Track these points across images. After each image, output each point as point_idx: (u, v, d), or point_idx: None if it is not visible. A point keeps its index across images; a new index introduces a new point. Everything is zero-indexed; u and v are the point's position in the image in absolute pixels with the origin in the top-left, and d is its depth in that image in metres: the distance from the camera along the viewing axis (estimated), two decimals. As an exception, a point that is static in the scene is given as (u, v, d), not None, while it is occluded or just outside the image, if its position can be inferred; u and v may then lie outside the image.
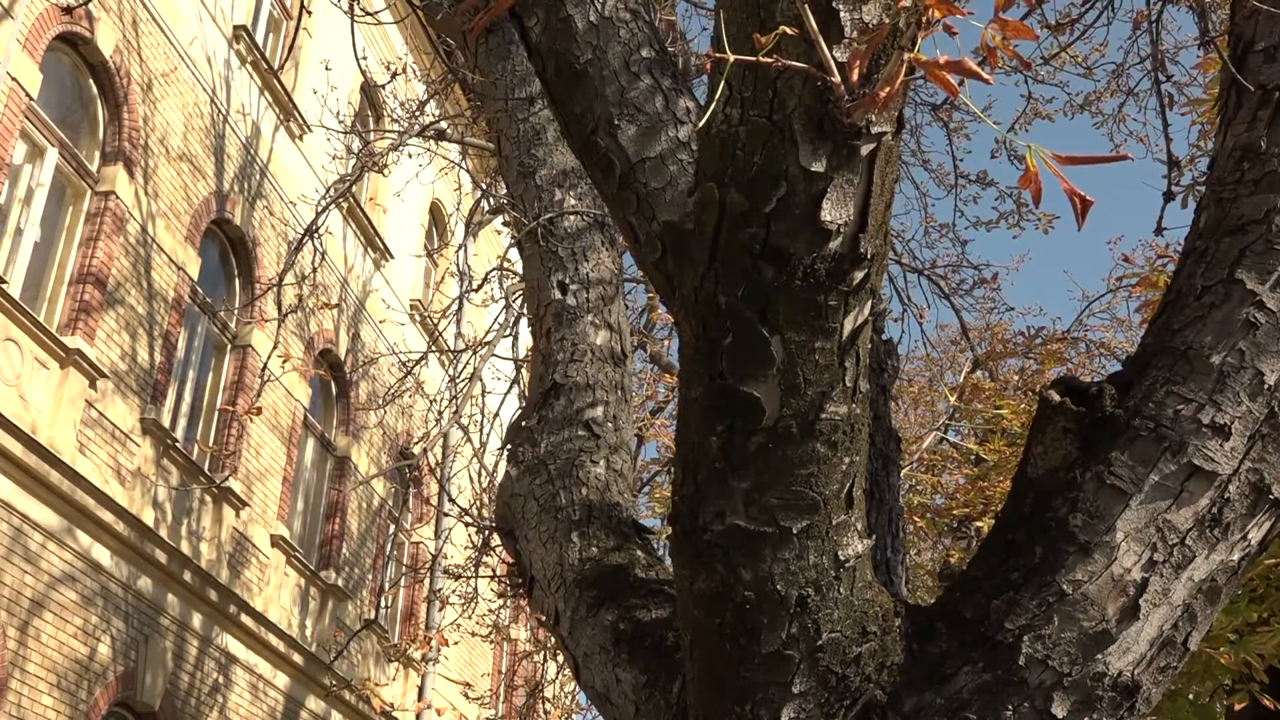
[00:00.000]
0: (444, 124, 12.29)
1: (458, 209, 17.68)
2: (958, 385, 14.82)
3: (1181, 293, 2.43)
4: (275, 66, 13.97)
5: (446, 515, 17.15)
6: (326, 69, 14.41)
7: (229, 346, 13.44)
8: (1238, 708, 6.35)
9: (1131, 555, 2.24)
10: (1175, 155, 5.23)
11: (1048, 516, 2.31)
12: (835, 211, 1.90)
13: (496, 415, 12.53)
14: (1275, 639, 5.84)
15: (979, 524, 9.76)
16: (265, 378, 12.52)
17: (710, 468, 2.21)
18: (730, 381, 2.11)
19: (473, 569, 14.04)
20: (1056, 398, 2.37)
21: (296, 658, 13.84)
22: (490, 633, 17.32)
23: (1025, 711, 2.22)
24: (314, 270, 12.57)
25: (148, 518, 11.35)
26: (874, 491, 3.00)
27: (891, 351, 3.76)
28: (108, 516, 10.65)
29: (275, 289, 12.08)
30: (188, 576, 11.84)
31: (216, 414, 13.06)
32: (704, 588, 2.30)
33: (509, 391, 12.08)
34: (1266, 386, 2.28)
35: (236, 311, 13.33)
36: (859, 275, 2.00)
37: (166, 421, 11.97)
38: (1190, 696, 6.61)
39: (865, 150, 1.86)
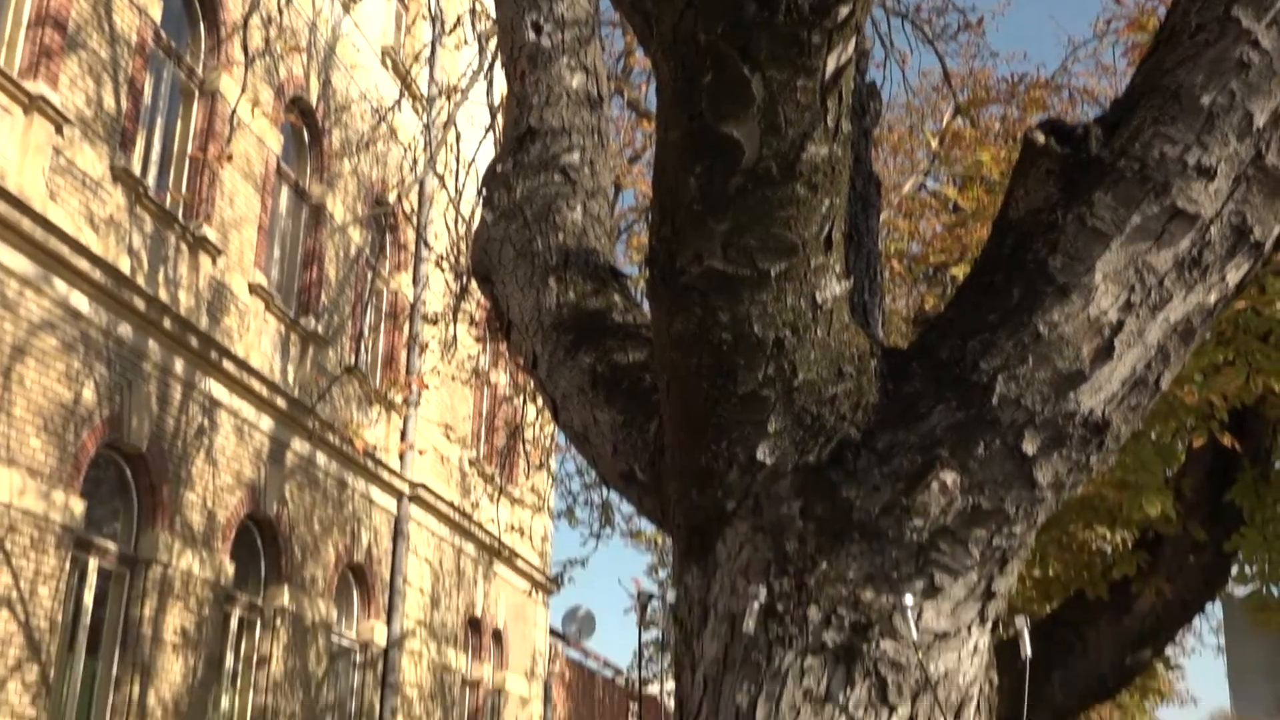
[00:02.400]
0: None
1: (428, -54, 17.02)
2: (939, 132, 14.67)
3: (1175, 30, 2.36)
4: None
5: (424, 262, 17.19)
6: None
7: (196, 93, 13.12)
8: (1197, 445, 6.54)
9: (1109, 297, 2.24)
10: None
11: (1027, 258, 2.30)
12: (821, -60, 1.82)
13: (472, 162, 12.39)
14: (1239, 380, 5.97)
15: (955, 271, 9.82)
16: (235, 124, 12.28)
17: (688, 210, 2.18)
18: (709, 122, 2.06)
19: (451, 315, 14.13)
20: (1041, 139, 2.33)
21: (280, 402, 14.06)
22: (470, 377, 17.60)
23: (996, 448, 2.26)
24: (280, 13, 12.17)
25: (124, 265, 11.32)
26: (853, 235, 2.98)
27: (874, 94, 3.69)
28: (83, 264, 10.61)
29: (241, 32, 11.72)
30: (167, 324, 11.89)
31: (187, 161, 12.86)
32: (681, 330, 2.31)
33: (484, 138, 11.91)
34: (1256, 128, 2.23)
35: (203, 56, 12.96)
36: (844, 10, 1.93)
37: (137, 169, 11.79)
38: (1152, 436, 6.79)
39: (854, -127, 1.77)
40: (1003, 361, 2.27)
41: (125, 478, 11.83)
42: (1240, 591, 7.77)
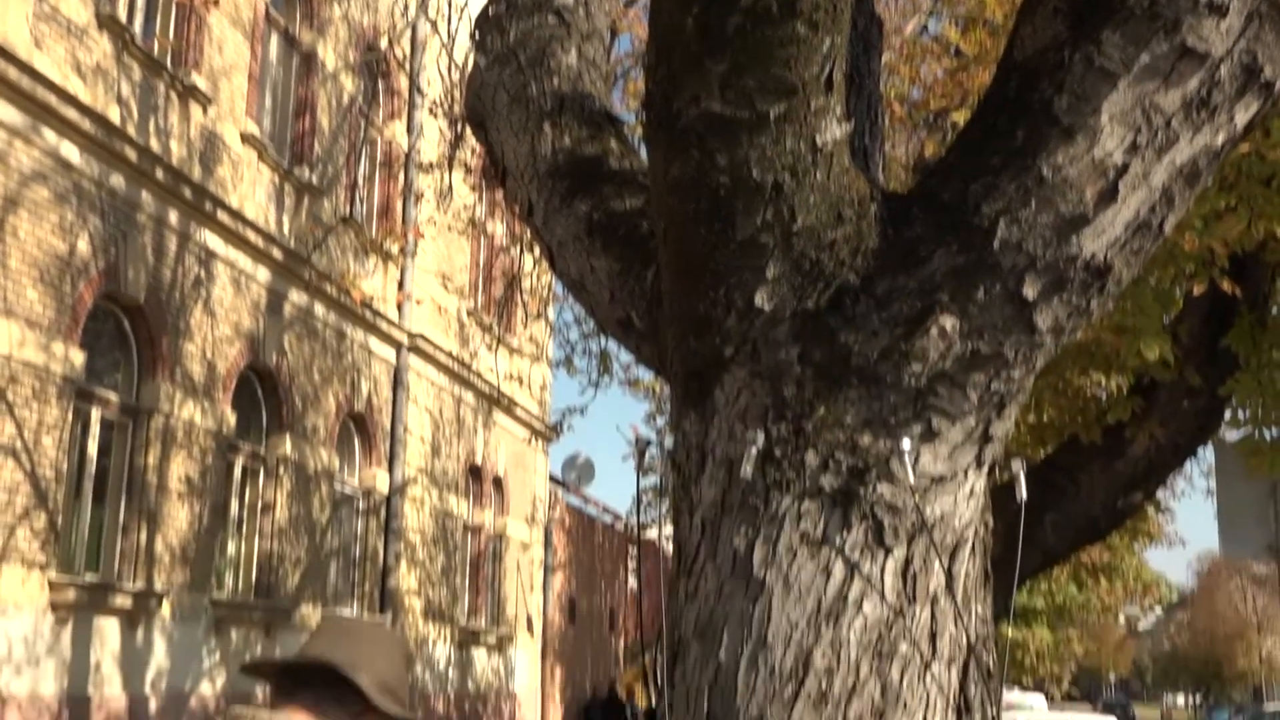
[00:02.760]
0: None
1: None
2: (942, -29, 14.30)
3: None
4: None
5: (417, 109, 16.94)
6: None
7: (180, -67, 12.77)
8: (1196, 292, 6.52)
9: (1114, 138, 2.20)
10: None
11: (1032, 99, 2.26)
12: None
13: (465, 5, 12.13)
14: (1241, 225, 5.93)
15: (956, 117, 9.68)
16: (221, -34, 11.98)
17: (686, 51, 2.13)
18: (707, -43, 1.99)
19: (446, 163, 13.99)
20: (1049, -26, 2.26)
21: (276, 253, 14.00)
22: (466, 227, 17.50)
23: (996, 293, 2.25)
24: None
25: (113, 115, 11.15)
26: (853, 77, 2.92)
27: (877, -70, 3.57)
28: (72, 114, 10.45)
29: None
30: (160, 175, 11.77)
31: (174, 7, 12.57)
32: (679, 175, 2.27)
33: (477, -20, 11.61)
34: (1269, -39, 2.17)
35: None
36: None
37: (123, 16, 11.52)
38: (1151, 281, 6.77)
39: None
40: (1005, 205, 2.24)
41: (124, 329, 11.84)
42: (1233, 436, 7.85)
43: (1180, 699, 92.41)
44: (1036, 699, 32.90)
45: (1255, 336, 6.87)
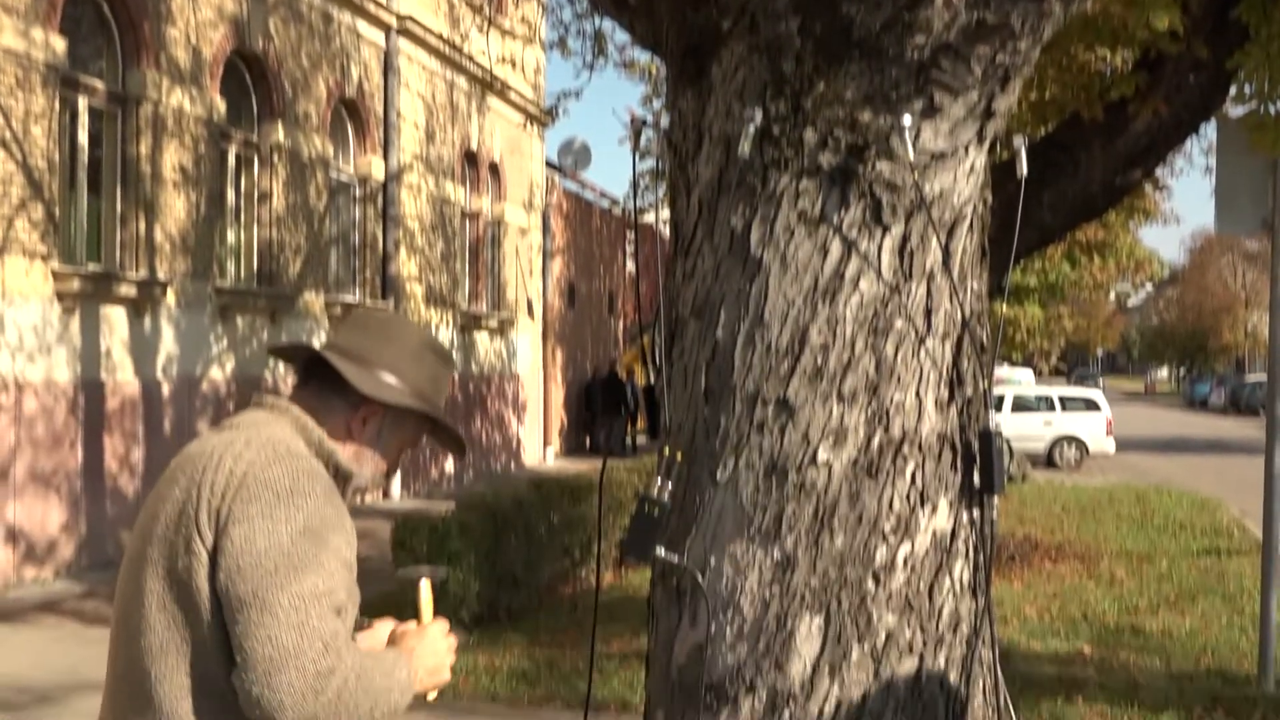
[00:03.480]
0: None
1: None
2: None
3: None
4: None
5: None
6: None
7: None
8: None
9: None
10: None
11: None
12: None
13: None
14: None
15: None
16: None
17: None
18: None
19: None
20: None
21: (254, -69, 13.43)
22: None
23: (1005, -40, 2.15)
24: None
25: None
26: None
27: None
28: None
29: None
30: None
31: None
32: None
33: None
34: None
35: None
36: None
37: None
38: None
39: None
40: None
41: (104, 14, 11.49)
42: (1237, 112, 7.73)
43: (1164, 372, 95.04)
44: (1025, 374, 33.83)
45: (1266, 7, 6.66)
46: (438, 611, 2.28)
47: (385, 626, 2.26)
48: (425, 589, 2.28)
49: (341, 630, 1.95)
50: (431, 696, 2.22)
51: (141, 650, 1.99)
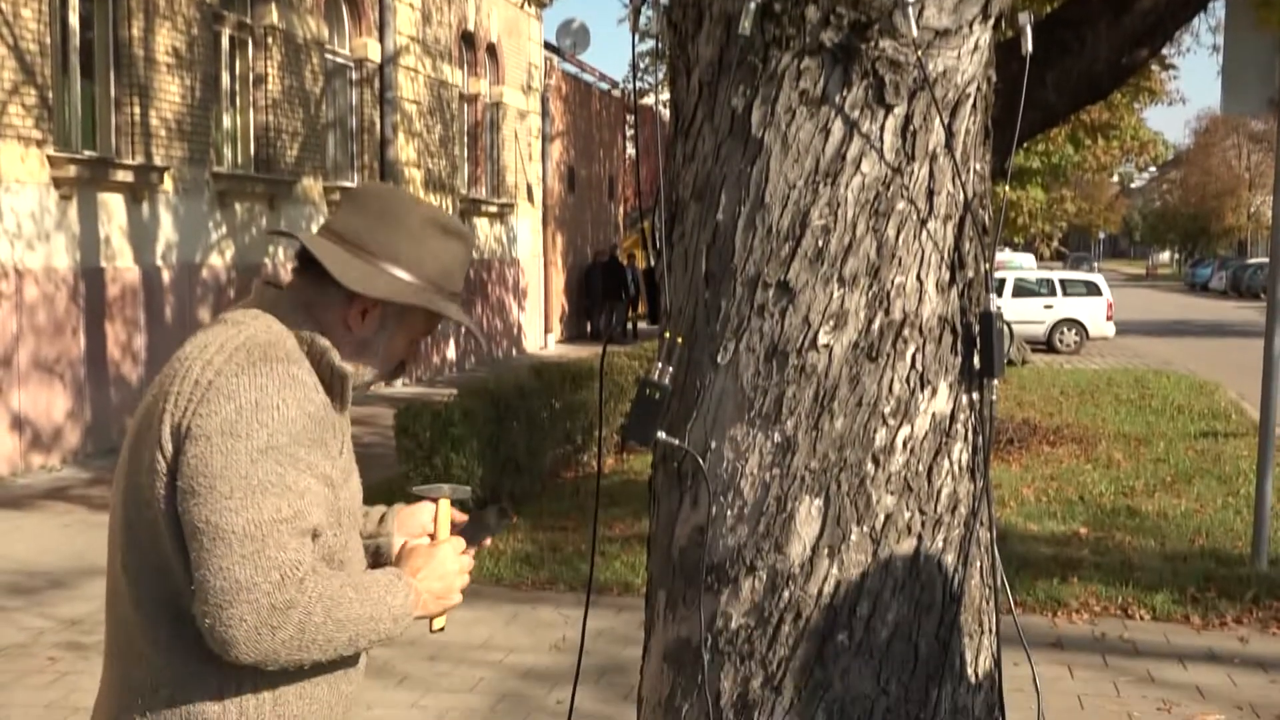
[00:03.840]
0: None
1: None
2: None
3: None
4: None
5: None
6: None
7: None
8: None
9: None
10: None
11: None
12: None
13: None
14: None
15: None
16: None
17: None
18: None
19: None
20: None
21: None
22: None
23: None
24: None
25: None
26: None
27: None
28: None
29: None
30: None
31: None
32: None
33: None
34: None
35: None
36: None
37: None
38: None
39: None
40: None
41: (90, -108, 11.25)
42: (1247, -12, 7.60)
43: (1166, 255, 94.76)
44: (1026, 258, 33.76)
45: (1281, -121, 6.51)
46: (480, 550, 2.13)
47: (399, 539, 2.13)
48: (444, 507, 2.16)
49: (306, 558, 1.76)
50: (439, 624, 2.07)
51: (118, 569, 1.88)
